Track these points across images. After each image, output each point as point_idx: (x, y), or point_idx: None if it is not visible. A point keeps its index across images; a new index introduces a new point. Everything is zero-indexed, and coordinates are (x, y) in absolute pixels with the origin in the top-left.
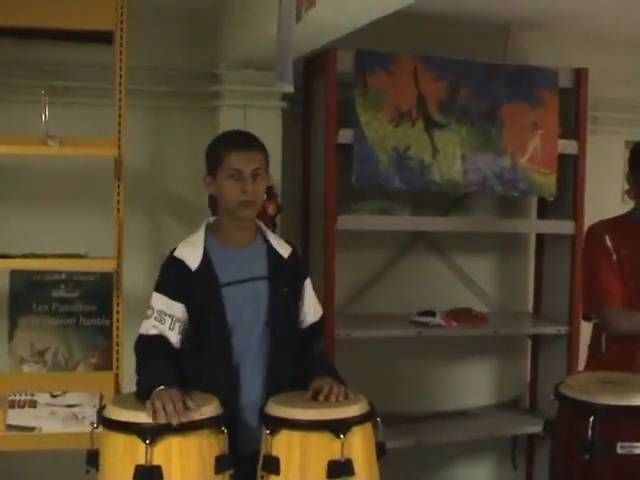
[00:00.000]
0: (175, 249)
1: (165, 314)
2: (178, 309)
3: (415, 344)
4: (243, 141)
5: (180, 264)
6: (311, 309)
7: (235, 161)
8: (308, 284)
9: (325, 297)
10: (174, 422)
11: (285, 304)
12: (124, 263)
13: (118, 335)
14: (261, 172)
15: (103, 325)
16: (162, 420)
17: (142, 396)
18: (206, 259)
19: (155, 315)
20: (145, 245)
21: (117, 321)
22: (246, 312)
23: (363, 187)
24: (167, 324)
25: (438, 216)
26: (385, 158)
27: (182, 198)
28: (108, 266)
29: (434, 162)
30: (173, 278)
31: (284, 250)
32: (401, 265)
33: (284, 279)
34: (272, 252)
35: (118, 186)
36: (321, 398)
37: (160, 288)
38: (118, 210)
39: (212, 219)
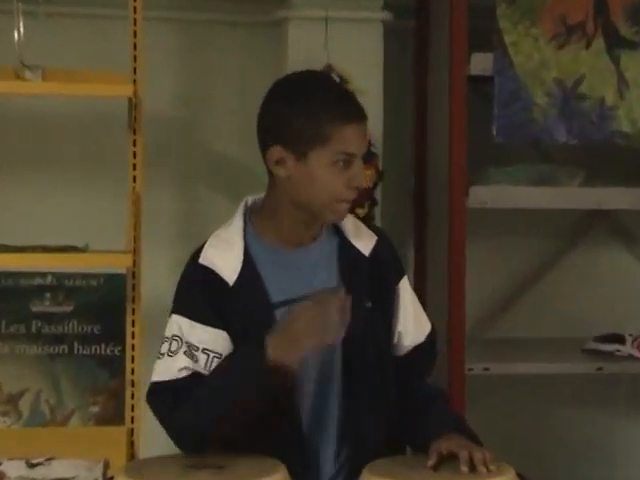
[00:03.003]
0: (201, 249)
1: (196, 349)
2: (217, 339)
3: (590, 385)
4: (355, 105)
5: (209, 276)
6: (410, 325)
7: (350, 141)
8: (404, 287)
9: (450, 313)
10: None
11: (369, 325)
12: (143, 259)
13: (133, 370)
14: None
15: (111, 355)
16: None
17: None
18: (249, 266)
19: (184, 349)
20: (174, 232)
21: (132, 348)
22: None
23: (509, 143)
24: (201, 362)
25: (625, 187)
26: (543, 97)
27: (229, 160)
28: (119, 264)
29: (620, 102)
30: (198, 296)
31: (365, 243)
32: (567, 262)
33: (365, 288)
34: (346, 248)
35: (134, 142)
36: (464, 469)
37: (183, 309)
38: (134, 179)
39: (251, 200)
